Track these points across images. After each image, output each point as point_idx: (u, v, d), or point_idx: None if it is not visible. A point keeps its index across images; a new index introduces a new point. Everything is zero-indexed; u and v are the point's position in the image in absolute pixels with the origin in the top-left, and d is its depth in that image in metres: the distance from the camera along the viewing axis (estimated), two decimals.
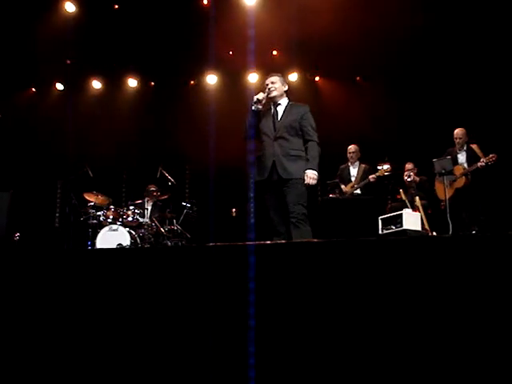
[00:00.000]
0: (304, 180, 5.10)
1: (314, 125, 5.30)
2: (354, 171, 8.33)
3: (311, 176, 5.09)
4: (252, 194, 5.18)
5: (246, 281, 3.27)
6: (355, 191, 8.16)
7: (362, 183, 8.11)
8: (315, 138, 5.26)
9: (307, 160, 5.17)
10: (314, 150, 5.21)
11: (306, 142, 5.25)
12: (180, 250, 4.31)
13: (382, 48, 8.89)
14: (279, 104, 5.39)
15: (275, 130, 5.24)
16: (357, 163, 8.37)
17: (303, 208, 5.09)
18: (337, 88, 9.86)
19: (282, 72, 9.22)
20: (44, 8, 9.55)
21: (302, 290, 3.30)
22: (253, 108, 5.28)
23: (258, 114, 5.32)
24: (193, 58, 9.86)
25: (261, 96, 5.28)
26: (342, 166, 8.46)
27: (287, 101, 5.43)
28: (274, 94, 5.34)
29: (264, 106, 5.36)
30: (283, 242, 3.72)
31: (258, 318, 3.23)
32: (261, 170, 5.23)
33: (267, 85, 5.38)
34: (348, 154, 8.42)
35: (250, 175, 5.20)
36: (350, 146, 8.46)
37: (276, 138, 5.20)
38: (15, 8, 9.19)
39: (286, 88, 5.47)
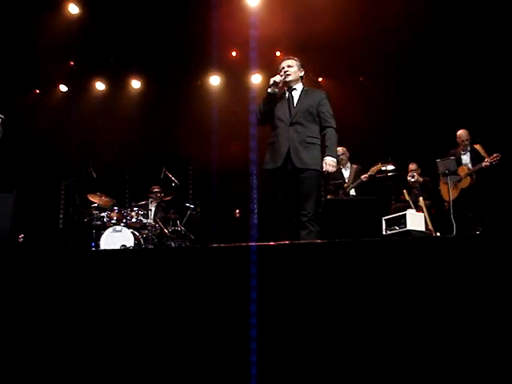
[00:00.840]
0: (319, 170, 4.97)
1: (331, 111, 5.13)
2: (346, 173, 8.28)
3: (330, 163, 4.93)
4: (255, 194, 5.05)
5: (249, 281, 3.27)
6: (350, 192, 8.15)
7: (355, 183, 8.10)
8: (333, 124, 5.09)
9: (326, 147, 5.01)
10: (332, 136, 5.05)
11: (323, 128, 5.08)
12: (184, 252, 4.30)
13: (385, 48, 8.88)
14: (294, 89, 5.19)
15: (291, 116, 5.05)
16: (348, 165, 8.34)
17: (315, 205, 4.94)
18: (340, 88, 9.85)
19: None
20: (47, 10, 9.55)
21: (306, 290, 3.30)
22: (269, 91, 5.07)
23: (273, 98, 5.11)
24: (196, 59, 9.86)
25: (278, 78, 5.06)
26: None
27: (302, 86, 5.24)
28: (290, 78, 5.12)
29: (280, 89, 5.16)
30: (287, 242, 3.71)
31: (260, 318, 3.23)
32: (274, 157, 5.02)
33: (283, 68, 5.16)
34: (338, 157, 8.38)
35: (252, 177, 5.08)
36: (337, 148, 8.41)
37: (292, 124, 5.01)
38: (18, 9, 9.20)
39: (303, 74, 5.28)
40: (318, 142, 5.07)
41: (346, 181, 8.23)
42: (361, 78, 10.04)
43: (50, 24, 9.64)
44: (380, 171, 7.97)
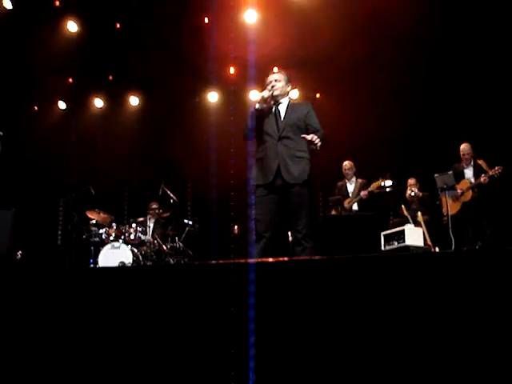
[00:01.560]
0: (309, 184, 4.93)
1: (318, 122, 5.08)
2: (351, 187, 8.34)
3: (316, 140, 4.78)
4: (253, 211, 5.00)
5: (247, 297, 3.26)
6: (353, 207, 8.17)
7: (356, 199, 8.12)
8: (323, 132, 5.00)
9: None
10: (322, 135, 4.93)
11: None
12: (182, 268, 4.30)
13: (386, 64, 8.93)
14: (281, 103, 5.15)
15: (279, 130, 5.00)
16: (353, 179, 8.38)
17: (308, 221, 4.90)
18: (338, 104, 9.88)
19: None
20: (46, 27, 9.61)
21: (305, 307, 3.29)
22: (257, 106, 5.03)
23: (261, 114, 5.05)
24: (194, 75, 9.90)
25: (266, 94, 5.01)
26: (340, 183, 8.48)
27: (288, 100, 5.20)
28: (277, 92, 5.08)
29: (268, 104, 5.11)
30: (285, 259, 3.70)
31: (259, 336, 3.22)
32: (263, 172, 4.97)
33: (270, 82, 5.12)
34: (344, 171, 8.43)
35: (249, 194, 5.03)
36: (344, 163, 8.47)
37: (280, 138, 4.97)
38: (18, 27, 9.25)
39: (290, 88, 5.25)
40: (307, 155, 5.01)
41: (350, 195, 8.25)
42: (358, 93, 10.05)
43: (49, 41, 9.70)
44: (379, 186, 7.98)
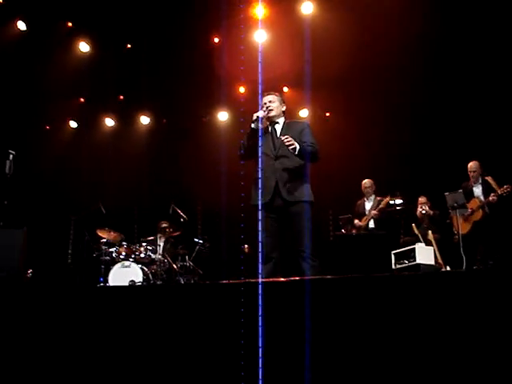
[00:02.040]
0: (308, 201, 4.95)
1: (313, 140, 5.11)
2: (368, 205, 8.37)
3: (290, 143, 4.86)
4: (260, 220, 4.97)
5: (259, 317, 3.25)
6: (369, 225, 8.17)
7: (370, 217, 8.13)
8: (316, 147, 5.07)
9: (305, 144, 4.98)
10: (313, 150, 5.03)
11: None
12: (192, 288, 4.30)
13: (396, 83, 8.96)
14: (277, 122, 5.23)
15: (275, 149, 5.06)
16: (372, 197, 8.40)
17: (311, 240, 4.88)
18: (348, 123, 9.90)
19: (294, 108, 9.39)
20: (59, 48, 9.73)
21: (316, 325, 3.28)
22: (252, 126, 5.05)
23: (256, 133, 5.03)
24: (204, 95, 9.97)
25: (261, 114, 5.04)
26: (359, 202, 8.50)
27: (284, 119, 5.27)
28: (272, 113, 5.16)
29: (263, 124, 5.14)
30: (297, 278, 3.69)
31: (268, 357, 3.20)
32: (262, 192, 4.92)
33: (265, 103, 5.18)
34: (363, 189, 8.45)
35: (258, 212, 5.01)
36: (364, 181, 8.49)
37: (277, 157, 5.03)
38: (31, 47, 9.38)
39: (284, 108, 5.32)
40: (305, 173, 5.05)
41: (367, 213, 8.25)
42: (368, 114, 10.08)
43: (61, 61, 9.82)
44: (389, 205, 7.98)
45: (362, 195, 8.51)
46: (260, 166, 5.00)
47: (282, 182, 4.95)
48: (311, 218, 4.97)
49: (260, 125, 5.08)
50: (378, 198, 8.28)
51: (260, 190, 4.91)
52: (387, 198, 7.97)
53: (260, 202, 4.88)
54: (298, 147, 4.91)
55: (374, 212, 8.06)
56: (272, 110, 5.17)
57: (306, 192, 5.00)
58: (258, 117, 5.06)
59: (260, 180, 4.99)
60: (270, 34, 9.21)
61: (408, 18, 8.30)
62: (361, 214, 8.32)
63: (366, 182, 8.48)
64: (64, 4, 9.08)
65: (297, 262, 4.90)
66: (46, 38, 9.46)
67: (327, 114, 10.38)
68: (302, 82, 8.49)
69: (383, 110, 9.43)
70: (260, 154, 5.04)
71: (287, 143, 4.86)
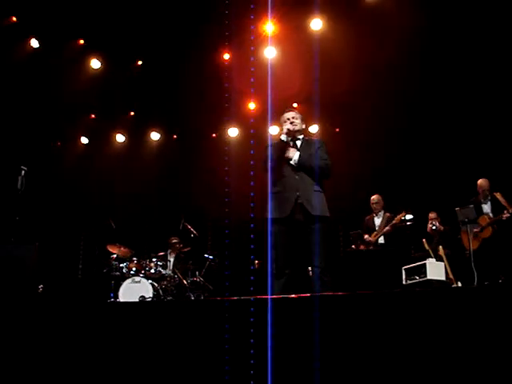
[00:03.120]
0: (328, 217, 4.99)
1: (327, 157, 5.21)
2: (378, 221, 8.33)
3: (293, 155, 5.09)
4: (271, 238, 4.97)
5: (268, 333, 3.24)
6: (379, 240, 8.14)
7: (382, 233, 8.11)
8: (328, 163, 5.17)
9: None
10: (325, 163, 5.14)
11: None
12: (202, 304, 4.30)
13: (405, 100, 8.99)
14: (298, 139, 5.32)
15: (296, 164, 5.14)
16: (381, 213, 8.38)
17: (327, 256, 4.91)
18: (358, 138, 9.92)
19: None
20: (70, 65, 9.83)
21: (327, 341, 3.27)
22: (283, 138, 5.17)
23: (285, 146, 5.17)
24: (214, 111, 10.01)
25: (291, 127, 5.19)
26: (367, 217, 8.47)
27: (303, 136, 5.37)
28: (297, 127, 5.27)
29: (290, 137, 5.25)
30: (308, 295, 3.69)
31: (277, 373, 3.19)
32: (281, 205, 5.00)
33: (288, 118, 5.29)
34: (372, 205, 8.43)
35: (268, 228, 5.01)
36: (373, 197, 8.47)
37: (298, 171, 5.09)
38: (43, 65, 9.49)
39: (304, 126, 5.44)
40: (323, 189, 5.11)
41: (377, 229, 8.24)
42: (378, 129, 10.09)
43: (73, 78, 9.90)
44: (401, 220, 7.97)
45: (370, 211, 8.50)
46: (282, 179, 5.09)
47: (304, 196, 5.00)
48: (329, 235, 5.04)
49: (288, 138, 5.20)
50: (388, 214, 8.26)
51: (279, 204, 4.98)
52: (401, 214, 7.96)
53: (278, 216, 4.96)
54: (296, 157, 5.08)
55: (387, 228, 8.04)
56: (297, 125, 5.29)
57: (324, 207, 5.04)
58: (288, 129, 5.19)
59: (281, 193, 5.06)
60: (280, 51, 9.27)
61: (419, 34, 8.33)
62: (370, 230, 8.30)
63: (375, 197, 8.47)
64: (76, 22, 9.18)
65: (309, 277, 4.89)
66: (58, 55, 9.56)
67: (337, 130, 10.41)
68: (312, 97, 8.53)
69: (393, 125, 9.45)
70: (283, 168, 5.13)
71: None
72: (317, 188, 5.06)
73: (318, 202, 4.99)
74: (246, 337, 3.32)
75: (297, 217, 4.98)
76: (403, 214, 7.94)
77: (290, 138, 5.23)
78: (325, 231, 4.97)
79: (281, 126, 5.35)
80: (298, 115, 5.37)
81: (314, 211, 4.94)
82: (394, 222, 7.99)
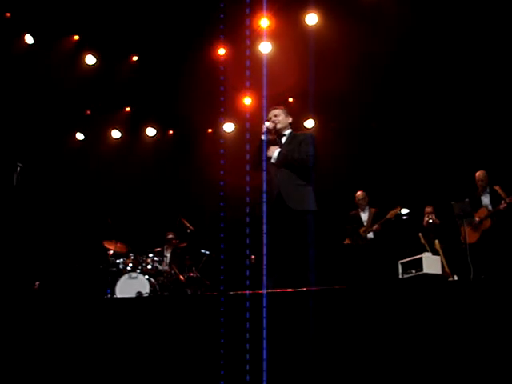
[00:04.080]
0: (311, 211, 4.99)
1: (310, 151, 5.14)
2: (364, 216, 8.39)
3: (272, 153, 5.13)
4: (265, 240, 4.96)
5: (263, 327, 3.25)
6: (368, 235, 8.17)
7: (371, 230, 8.13)
8: (305, 156, 5.10)
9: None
10: (301, 157, 5.10)
11: None
12: (199, 299, 4.30)
13: (399, 95, 9.01)
14: (284, 135, 5.35)
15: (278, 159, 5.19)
16: (367, 208, 8.43)
17: (310, 249, 4.88)
18: (353, 134, 9.93)
19: (298, 118, 9.42)
20: (65, 60, 9.80)
21: (322, 335, 3.28)
22: (262, 138, 5.20)
23: (266, 145, 5.20)
24: (210, 106, 10.00)
25: (270, 125, 5.23)
26: (353, 213, 8.50)
27: (290, 131, 5.38)
28: (279, 126, 5.30)
29: (272, 136, 5.30)
30: (304, 289, 3.69)
31: (272, 368, 3.20)
32: (268, 204, 4.98)
33: (270, 118, 5.34)
34: (357, 201, 8.49)
35: (263, 223, 5.00)
36: (357, 193, 8.53)
37: (279, 167, 5.13)
38: (38, 60, 9.46)
39: (290, 120, 5.43)
40: (309, 183, 5.11)
41: (364, 224, 8.26)
42: (373, 124, 10.09)
43: (68, 74, 9.87)
44: (396, 214, 8.00)
45: (355, 207, 8.53)
46: (266, 177, 5.07)
47: (285, 191, 5.03)
48: (313, 229, 4.99)
49: (268, 136, 5.24)
50: (374, 210, 8.30)
51: (265, 201, 4.94)
52: (397, 209, 7.99)
53: (265, 214, 4.91)
54: (275, 155, 5.13)
55: (376, 227, 8.10)
56: (278, 123, 5.30)
57: (308, 201, 5.06)
58: (267, 128, 5.22)
59: (265, 191, 5.03)
60: (275, 45, 9.25)
61: (414, 31, 8.34)
62: (358, 225, 8.33)
63: (359, 194, 8.52)
64: (71, 17, 9.16)
65: (300, 272, 4.87)
66: (53, 51, 9.53)
67: (332, 125, 10.41)
68: (307, 92, 8.53)
69: (388, 119, 9.46)
70: (266, 166, 5.13)
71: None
72: (300, 182, 5.08)
73: (300, 196, 5.03)
74: (242, 331, 3.33)
75: (279, 214, 4.99)
76: (398, 208, 7.97)
77: (269, 137, 5.25)
78: (308, 225, 4.96)
79: None
80: (280, 111, 5.39)
81: (293, 205, 4.96)
82: (388, 216, 8.01)
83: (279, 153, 5.19)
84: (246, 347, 3.27)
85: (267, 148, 5.22)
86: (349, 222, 8.45)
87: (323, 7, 8.84)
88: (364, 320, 3.29)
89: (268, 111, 5.44)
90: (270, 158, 5.20)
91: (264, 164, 5.11)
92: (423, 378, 3.09)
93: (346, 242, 8.30)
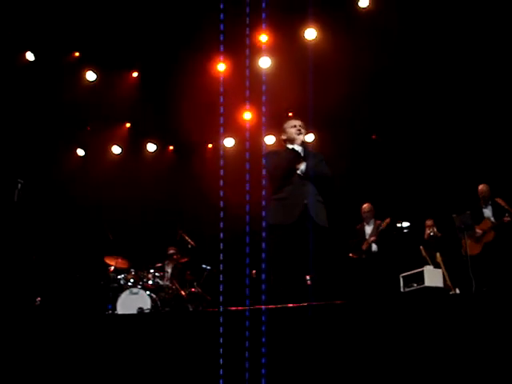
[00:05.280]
0: (329, 230, 4.95)
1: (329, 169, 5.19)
2: (368, 229, 8.33)
3: (302, 166, 4.99)
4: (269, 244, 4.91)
5: (264, 344, 3.24)
6: (372, 249, 8.13)
7: (370, 241, 8.09)
8: (332, 176, 5.15)
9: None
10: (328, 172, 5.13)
11: None
12: (201, 315, 4.29)
13: (399, 107, 9.03)
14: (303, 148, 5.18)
15: (306, 171, 5.01)
16: (372, 221, 8.37)
17: (326, 265, 4.85)
18: (353, 146, 9.94)
19: None
20: (66, 77, 9.85)
21: (325, 351, 3.27)
22: (296, 148, 5.03)
23: (298, 155, 5.04)
24: (210, 121, 10.04)
25: (303, 138, 5.12)
26: (358, 226, 8.46)
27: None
28: (304, 137, 5.18)
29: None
30: (305, 304, 3.68)
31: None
32: (287, 211, 4.88)
33: (294, 126, 5.16)
34: (363, 214, 8.43)
35: (262, 239, 4.95)
36: (364, 206, 8.47)
37: (306, 179, 4.98)
38: (38, 77, 9.51)
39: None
40: (324, 201, 5.05)
41: (367, 237, 8.23)
42: (373, 136, 10.10)
43: (68, 90, 9.91)
44: (387, 224, 7.98)
45: (361, 220, 8.50)
46: (289, 186, 4.98)
47: (313, 204, 4.90)
48: (330, 246, 4.97)
49: (301, 147, 5.08)
50: (378, 222, 8.27)
51: (283, 210, 4.90)
52: (387, 220, 7.97)
53: (283, 222, 4.87)
54: (303, 167, 4.99)
55: (372, 238, 8.05)
56: (304, 133, 5.18)
57: (326, 219, 4.97)
58: (302, 141, 5.08)
59: (286, 200, 4.95)
60: (274, 60, 9.29)
61: (413, 45, 8.38)
62: (361, 239, 8.30)
63: (365, 206, 8.46)
64: (71, 34, 9.22)
65: (307, 285, 4.85)
66: (53, 68, 9.58)
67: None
68: (307, 106, 8.55)
69: (388, 132, 9.48)
70: (291, 176, 5.02)
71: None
72: (320, 198, 5.01)
73: (321, 213, 4.94)
74: (242, 348, 3.32)
75: (302, 224, 4.85)
76: (388, 219, 7.94)
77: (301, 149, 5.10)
78: (326, 241, 4.90)
79: (284, 132, 5.23)
80: (302, 123, 5.24)
81: (318, 221, 4.86)
82: (381, 228, 7.99)
83: (307, 166, 5.03)
84: (245, 365, 3.26)
85: (294, 160, 5.03)
86: (353, 236, 8.42)
87: (322, 22, 8.89)
88: (365, 335, 3.28)
89: (288, 118, 5.33)
90: (296, 169, 5.04)
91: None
92: None
93: (351, 255, 8.27)
